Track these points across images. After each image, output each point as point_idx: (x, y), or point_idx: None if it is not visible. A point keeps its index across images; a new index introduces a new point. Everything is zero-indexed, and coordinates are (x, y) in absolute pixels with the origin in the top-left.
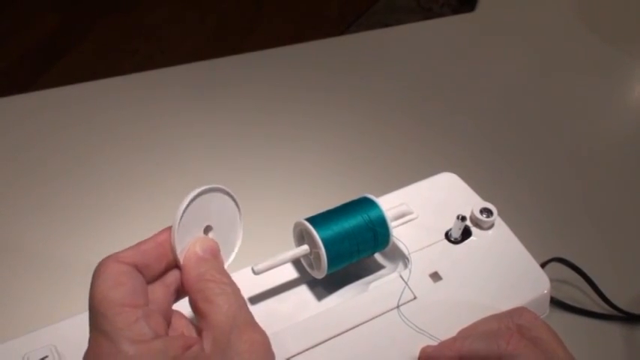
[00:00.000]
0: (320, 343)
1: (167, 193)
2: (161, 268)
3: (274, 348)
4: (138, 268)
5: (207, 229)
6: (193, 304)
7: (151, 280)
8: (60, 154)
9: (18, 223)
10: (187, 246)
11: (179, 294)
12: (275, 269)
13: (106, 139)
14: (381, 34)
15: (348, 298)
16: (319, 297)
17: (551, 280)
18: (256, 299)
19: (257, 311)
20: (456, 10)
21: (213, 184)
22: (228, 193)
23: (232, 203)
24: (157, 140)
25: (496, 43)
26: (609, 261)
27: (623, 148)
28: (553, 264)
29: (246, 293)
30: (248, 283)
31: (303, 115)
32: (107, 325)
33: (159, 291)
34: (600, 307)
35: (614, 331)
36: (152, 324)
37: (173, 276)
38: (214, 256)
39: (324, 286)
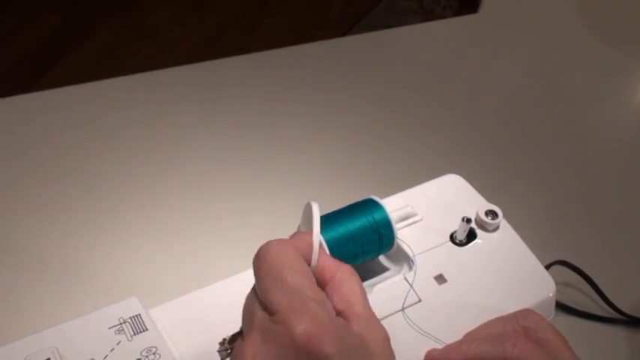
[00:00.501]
0: None
1: (169, 194)
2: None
3: None
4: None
5: None
6: (334, 290)
7: None
8: (61, 154)
9: (19, 225)
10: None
11: None
12: None
13: (108, 139)
14: (384, 36)
15: None
16: None
17: (555, 284)
18: None
19: None
20: (457, 12)
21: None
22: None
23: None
24: (159, 141)
25: (499, 44)
26: (613, 264)
27: (628, 151)
28: (556, 267)
29: None
30: (252, 285)
31: (304, 117)
32: (306, 291)
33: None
34: (603, 310)
35: (617, 334)
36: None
37: None
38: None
39: None
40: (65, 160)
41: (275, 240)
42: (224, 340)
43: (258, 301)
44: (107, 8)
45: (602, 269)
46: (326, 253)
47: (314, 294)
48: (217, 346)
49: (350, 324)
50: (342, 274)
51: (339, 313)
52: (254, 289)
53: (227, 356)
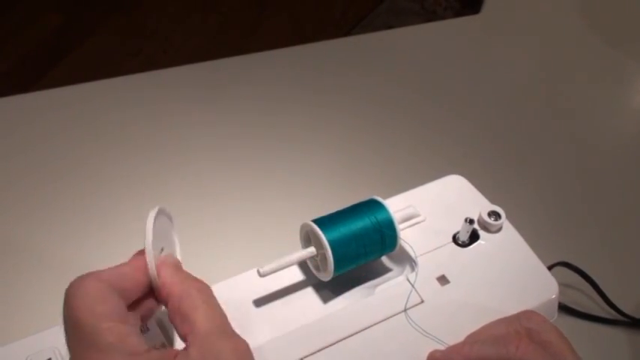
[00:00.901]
0: (326, 347)
1: (169, 194)
2: (137, 294)
3: (280, 351)
4: (116, 290)
5: (161, 251)
6: (176, 312)
7: (126, 305)
8: (62, 154)
9: (20, 225)
10: (156, 264)
11: (144, 318)
12: (281, 271)
13: (108, 139)
14: (385, 36)
15: (354, 301)
16: (325, 300)
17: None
18: (262, 301)
19: (263, 314)
20: (459, 13)
21: (159, 205)
22: (163, 212)
23: (168, 221)
24: (159, 140)
25: (500, 45)
26: (615, 266)
27: (631, 152)
28: (558, 268)
29: (252, 295)
30: (254, 285)
31: (306, 117)
32: (100, 340)
33: (130, 317)
34: (605, 311)
35: (619, 335)
36: (140, 339)
37: (141, 305)
38: (182, 268)
39: (330, 289)
40: (66, 160)
41: (81, 277)
42: None
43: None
44: (108, 8)
45: (604, 271)
46: (170, 267)
47: (113, 336)
48: None
49: (187, 349)
50: (183, 289)
51: (183, 336)
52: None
53: None
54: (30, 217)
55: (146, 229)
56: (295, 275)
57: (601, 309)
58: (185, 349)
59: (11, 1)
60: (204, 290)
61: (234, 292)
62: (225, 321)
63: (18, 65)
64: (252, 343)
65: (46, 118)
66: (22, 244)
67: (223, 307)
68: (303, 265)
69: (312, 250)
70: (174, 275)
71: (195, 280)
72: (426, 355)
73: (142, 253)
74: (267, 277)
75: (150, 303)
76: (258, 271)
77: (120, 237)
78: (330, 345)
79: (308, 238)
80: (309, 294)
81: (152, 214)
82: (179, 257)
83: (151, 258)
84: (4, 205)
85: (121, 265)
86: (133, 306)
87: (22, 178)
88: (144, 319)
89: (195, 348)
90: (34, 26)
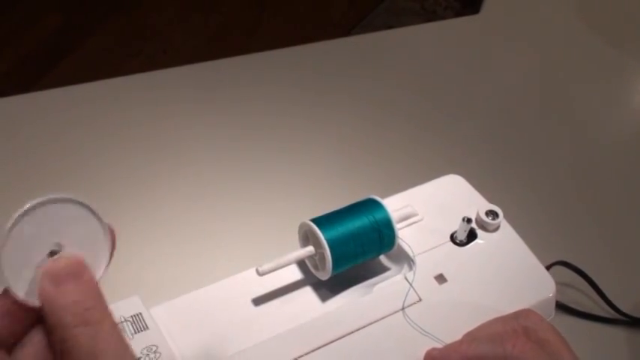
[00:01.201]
0: (324, 345)
1: (170, 194)
2: (20, 333)
3: (278, 349)
4: None
5: (59, 248)
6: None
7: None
8: (62, 154)
9: None
10: (37, 278)
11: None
12: (280, 270)
13: (109, 139)
14: (385, 36)
15: (352, 300)
16: (324, 298)
17: (555, 284)
18: (261, 300)
19: (262, 312)
20: (459, 14)
21: (39, 199)
22: (67, 200)
23: (81, 208)
24: (160, 141)
25: (500, 45)
26: (613, 264)
27: (629, 152)
28: (557, 267)
29: (251, 294)
30: (252, 284)
31: (306, 117)
32: None
33: (25, 352)
34: (604, 310)
35: (617, 334)
36: None
37: (38, 334)
38: (76, 276)
39: (328, 288)
40: (66, 160)
41: None
42: None
43: None
44: (109, 8)
45: (602, 270)
46: (49, 284)
47: None
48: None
49: None
50: (64, 331)
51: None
52: None
53: None
54: None
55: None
56: (294, 274)
57: (600, 308)
58: None
59: (12, 1)
60: (96, 325)
61: (233, 290)
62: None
63: (18, 65)
64: (251, 342)
65: (47, 119)
66: None
67: (224, 306)
68: (301, 263)
69: (310, 249)
70: (54, 299)
71: (85, 303)
72: (423, 353)
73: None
74: (266, 276)
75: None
76: (257, 270)
77: (121, 236)
78: (329, 343)
79: (306, 237)
80: (307, 293)
81: (14, 216)
82: (102, 256)
83: (15, 288)
84: (4, 205)
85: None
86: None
87: (23, 179)
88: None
89: None
90: (35, 26)
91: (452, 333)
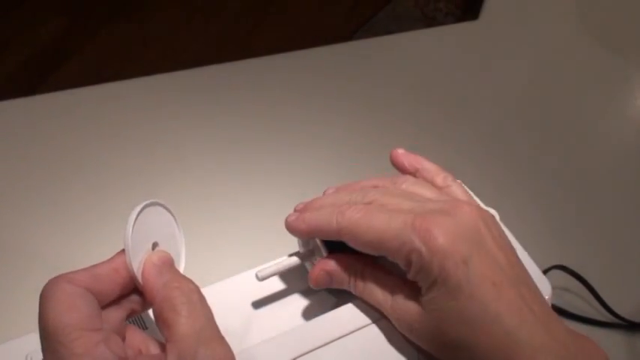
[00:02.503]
0: (321, 346)
1: (170, 197)
2: (115, 295)
3: (276, 351)
4: (91, 292)
5: (154, 246)
6: (158, 315)
7: (104, 305)
8: (63, 157)
9: (21, 225)
10: (142, 264)
11: (132, 313)
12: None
13: (110, 143)
14: (386, 41)
15: (350, 302)
16: (322, 301)
17: (553, 288)
18: (259, 303)
19: (259, 314)
20: (459, 19)
21: (150, 200)
22: (161, 205)
23: (168, 214)
24: (161, 145)
25: (499, 51)
26: (611, 269)
27: (627, 157)
28: (555, 271)
29: (249, 297)
30: (251, 287)
31: (306, 121)
32: (64, 351)
33: (112, 312)
34: (602, 315)
35: (615, 339)
36: (112, 347)
37: (128, 300)
38: (172, 265)
39: (327, 290)
40: (67, 163)
41: (53, 281)
42: None
43: None
44: (111, 12)
45: (600, 274)
46: (155, 267)
47: (81, 347)
48: None
49: (165, 357)
50: (165, 292)
51: (165, 342)
52: None
53: None
54: (31, 217)
55: (126, 228)
56: (292, 277)
57: (597, 312)
58: (164, 356)
59: (14, 4)
60: (188, 292)
61: (232, 293)
62: (208, 325)
63: (20, 68)
64: (249, 344)
65: (48, 122)
66: (23, 243)
67: (223, 307)
68: (300, 267)
69: (310, 253)
70: (157, 278)
71: (181, 280)
72: (422, 356)
73: (123, 251)
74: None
75: (137, 298)
76: (257, 275)
77: (119, 237)
78: (326, 344)
79: (306, 242)
80: (306, 296)
81: (137, 209)
82: (182, 255)
83: (130, 260)
84: (5, 206)
85: (98, 264)
86: (117, 301)
87: (24, 181)
88: (135, 313)
89: (173, 356)
90: (37, 30)
91: None
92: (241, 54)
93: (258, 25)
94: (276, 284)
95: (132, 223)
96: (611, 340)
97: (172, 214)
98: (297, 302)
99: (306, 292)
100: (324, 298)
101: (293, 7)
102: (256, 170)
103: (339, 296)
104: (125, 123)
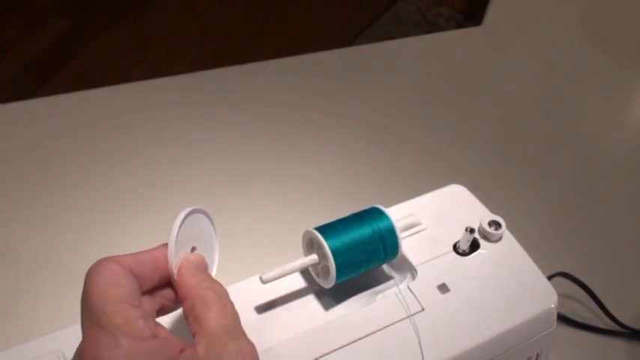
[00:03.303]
0: (326, 354)
1: (170, 201)
2: (154, 283)
3: (280, 358)
4: (133, 274)
5: (193, 250)
6: (189, 310)
7: (142, 291)
8: (64, 160)
9: (23, 229)
10: (180, 262)
11: (163, 310)
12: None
13: (111, 146)
14: (387, 46)
15: (355, 309)
16: (326, 306)
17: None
18: (263, 308)
19: (264, 320)
20: (461, 25)
21: (195, 206)
22: (205, 213)
23: (209, 223)
24: (161, 148)
25: (501, 56)
26: (614, 276)
27: (631, 164)
28: (557, 278)
29: (254, 302)
30: (255, 292)
31: (309, 126)
32: (106, 320)
33: (146, 302)
34: (604, 322)
35: (617, 346)
36: (149, 325)
37: (161, 294)
38: (206, 268)
39: (331, 296)
40: (68, 166)
41: (101, 260)
42: None
43: None
44: (112, 16)
45: (603, 281)
46: (191, 268)
47: (120, 319)
48: None
49: (195, 347)
50: (198, 290)
51: (193, 334)
52: None
53: None
54: (33, 221)
55: (173, 225)
56: (297, 282)
57: (600, 320)
58: (193, 345)
59: (15, 7)
60: (219, 292)
61: (236, 298)
62: (236, 323)
63: (21, 72)
64: (259, 347)
65: (49, 125)
66: (26, 248)
67: None
68: (304, 271)
69: (314, 257)
70: (192, 276)
71: (213, 282)
72: None
73: (166, 245)
74: (269, 284)
75: (169, 293)
76: (261, 278)
77: (122, 241)
78: (331, 352)
79: (311, 246)
80: (310, 301)
81: (184, 212)
82: (215, 263)
83: (172, 255)
84: (7, 210)
85: (142, 251)
86: (152, 292)
87: (25, 184)
88: (165, 310)
89: (202, 346)
90: (38, 33)
91: (454, 343)
92: (242, 58)
93: (259, 29)
94: (280, 289)
95: (179, 223)
96: (613, 348)
97: (213, 225)
98: (300, 307)
99: (309, 296)
100: (328, 301)
101: (294, 11)
102: (258, 174)
103: (343, 299)
104: (126, 126)
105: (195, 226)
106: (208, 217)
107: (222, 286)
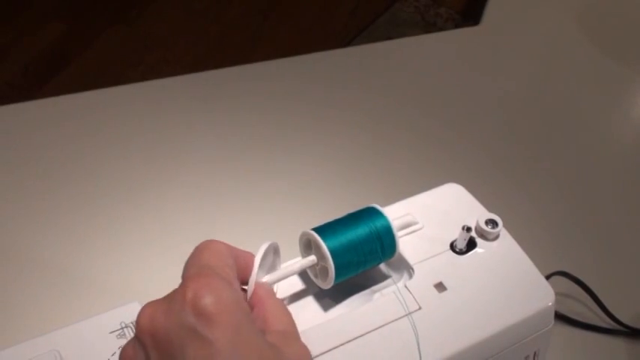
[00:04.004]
0: (324, 353)
1: (170, 200)
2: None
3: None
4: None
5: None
6: (260, 317)
7: None
8: (63, 161)
9: (21, 230)
10: (254, 280)
11: None
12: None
13: (110, 147)
14: (386, 47)
15: (353, 308)
16: (325, 307)
17: (555, 294)
18: None
19: None
20: (459, 25)
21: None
22: (277, 252)
23: (279, 260)
24: (160, 150)
25: (500, 56)
26: (613, 275)
27: (629, 163)
28: (556, 277)
29: None
30: None
31: (306, 126)
32: (210, 272)
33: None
34: (604, 321)
35: (617, 345)
36: None
37: None
38: (272, 295)
39: (329, 296)
40: (67, 167)
41: (211, 240)
42: None
43: None
44: (111, 18)
45: (602, 280)
46: (264, 287)
47: (227, 276)
48: None
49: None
50: (269, 301)
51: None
52: None
53: None
54: (32, 222)
55: (261, 247)
56: (295, 283)
57: (599, 319)
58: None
59: (14, 10)
60: (284, 308)
61: None
62: (296, 329)
63: (20, 73)
64: None
65: (49, 127)
66: (24, 248)
67: None
68: (302, 272)
69: (312, 258)
70: (263, 290)
71: (280, 301)
72: None
73: (250, 254)
74: None
75: None
76: None
77: (122, 242)
78: (329, 351)
79: (308, 247)
80: (308, 301)
81: (270, 243)
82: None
83: (256, 267)
84: (5, 210)
85: (237, 248)
86: None
87: (25, 185)
88: None
89: (270, 336)
90: (37, 35)
91: (451, 341)
92: (241, 59)
93: (257, 30)
94: (278, 290)
95: (265, 248)
96: (612, 347)
97: (279, 262)
98: (299, 308)
99: (307, 297)
100: (326, 301)
101: (293, 12)
102: (256, 176)
103: (340, 299)
104: (125, 127)
105: (270, 259)
106: (278, 255)
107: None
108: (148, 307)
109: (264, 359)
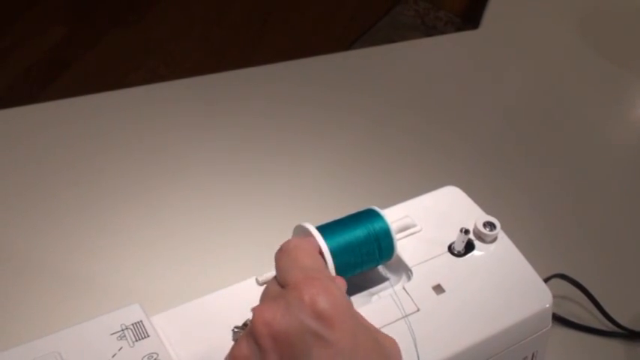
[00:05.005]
0: None
1: (171, 204)
2: None
3: None
4: None
5: None
6: None
7: None
8: (64, 165)
9: (23, 233)
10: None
11: None
12: None
13: (110, 151)
14: (386, 50)
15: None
16: None
17: (553, 297)
18: None
19: None
20: (459, 28)
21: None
22: None
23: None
24: (161, 152)
25: (499, 60)
26: (611, 278)
27: (628, 166)
28: (555, 280)
29: (251, 303)
30: (252, 293)
31: (306, 129)
32: (318, 269)
33: None
34: (602, 323)
35: (615, 347)
36: None
37: None
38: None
39: None
40: (68, 170)
41: (299, 238)
42: (243, 324)
43: (276, 282)
44: (111, 21)
45: (600, 283)
46: (338, 276)
47: (329, 275)
48: (232, 334)
49: None
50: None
51: None
52: (272, 280)
53: None
54: (33, 224)
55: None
56: None
57: (598, 321)
58: None
59: (14, 14)
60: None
61: (234, 300)
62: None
63: (21, 77)
64: None
65: (49, 131)
66: (25, 251)
67: (225, 315)
68: None
69: None
70: (343, 283)
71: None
72: None
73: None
74: None
75: None
76: (257, 280)
77: (123, 245)
78: None
79: None
80: None
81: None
82: None
83: (331, 263)
84: (7, 213)
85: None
86: None
87: (25, 188)
88: None
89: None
90: (38, 39)
91: (449, 342)
92: (241, 63)
93: (258, 34)
94: None
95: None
96: (611, 349)
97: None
98: None
99: None
100: None
101: (293, 16)
102: (257, 179)
103: None
104: (126, 131)
105: None
106: None
107: None
108: (266, 311)
109: (377, 355)
